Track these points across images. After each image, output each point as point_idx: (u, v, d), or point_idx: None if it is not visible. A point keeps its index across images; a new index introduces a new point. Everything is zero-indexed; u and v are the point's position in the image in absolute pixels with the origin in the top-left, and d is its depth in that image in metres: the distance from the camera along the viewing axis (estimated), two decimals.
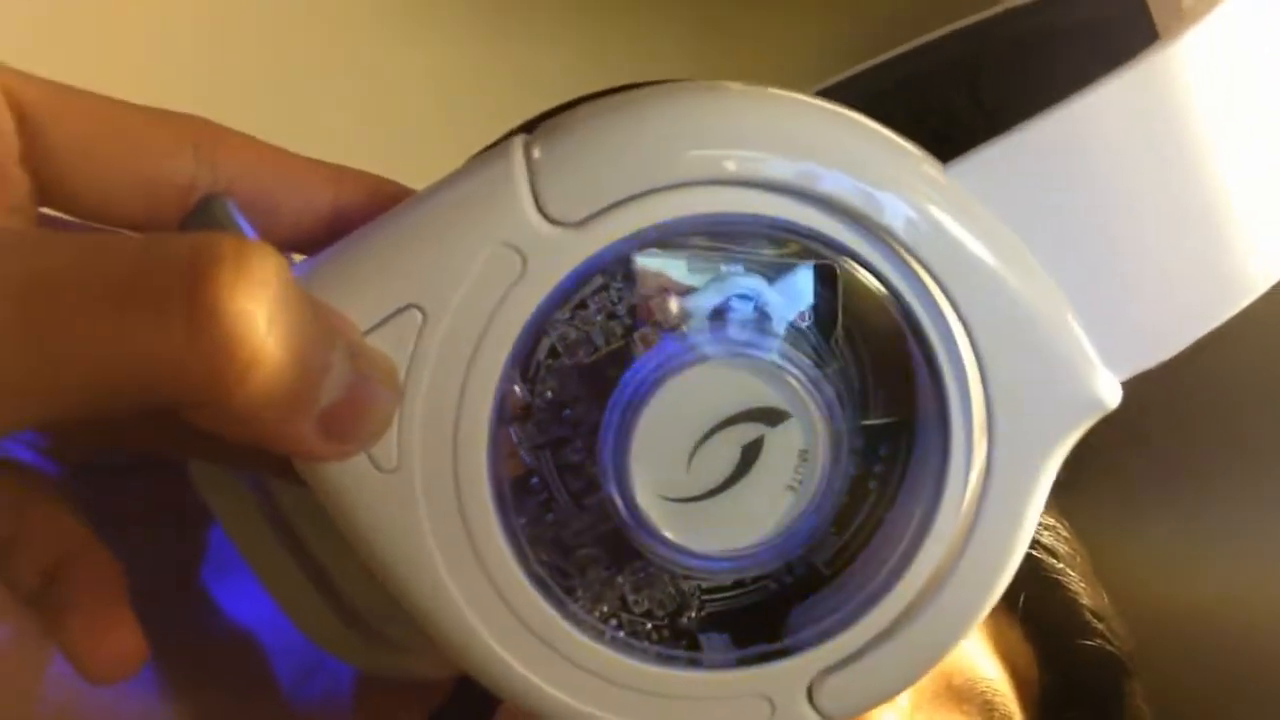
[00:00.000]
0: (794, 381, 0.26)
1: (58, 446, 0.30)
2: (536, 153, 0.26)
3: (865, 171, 0.26)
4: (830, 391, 0.27)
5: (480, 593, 0.26)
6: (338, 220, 0.28)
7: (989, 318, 0.26)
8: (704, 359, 0.26)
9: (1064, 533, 0.61)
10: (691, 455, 0.26)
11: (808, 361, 0.27)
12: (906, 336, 0.27)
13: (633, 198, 0.25)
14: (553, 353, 0.27)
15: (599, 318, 0.27)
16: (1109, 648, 0.60)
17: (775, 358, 0.26)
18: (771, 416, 0.26)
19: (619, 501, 0.27)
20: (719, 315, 0.27)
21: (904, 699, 0.49)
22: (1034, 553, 0.59)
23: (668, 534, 0.27)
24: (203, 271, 0.21)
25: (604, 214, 0.25)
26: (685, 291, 0.27)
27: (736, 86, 0.26)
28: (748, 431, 0.26)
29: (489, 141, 0.28)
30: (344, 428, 0.24)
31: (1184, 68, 0.26)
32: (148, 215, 0.27)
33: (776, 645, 0.28)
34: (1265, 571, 0.66)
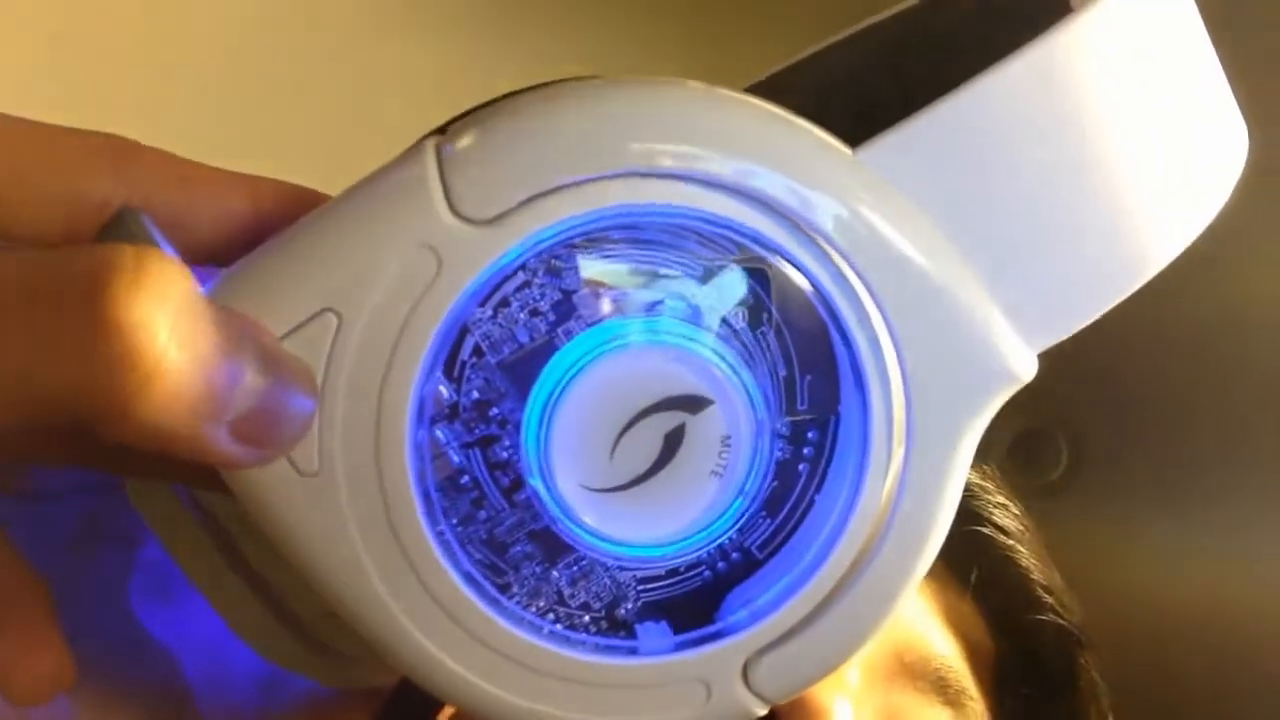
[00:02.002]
0: (714, 367, 0.27)
1: None
2: (448, 150, 0.26)
3: (778, 160, 0.26)
4: (750, 377, 0.27)
5: (411, 594, 0.27)
6: (258, 230, 0.28)
7: (902, 298, 0.26)
8: (622, 348, 0.27)
9: (1014, 510, 0.62)
10: (614, 445, 0.27)
11: (728, 348, 0.27)
12: (825, 322, 0.27)
13: (548, 192, 0.26)
14: (477, 351, 0.27)
15: (522, 315, 0.27)
16: (1060, 620, 0.60)
17: (694, 345, 0.27)
18: (692, 404, 0.27)
19: (544, 494, 0.27)
20: (641, 308, 0.27)
21: (855, 677, 0.50)
22: (984, 530, 0.60)
23: (593, 524, 0.27)
24: (98, 282, 0.21)
25: (519, 209, 0.26)
26: (608, 287, 0.27)
27: (649, 78, 0.27)
28: (669, 419, 0.27)
29: None
30: (258, 434, 0.24)
31: (1085, 47, 0.27)
32: (65, 234, 0.27)
33: (710, 629, 0.28)
34: (1262, 571, 0.67)
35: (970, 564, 0.59)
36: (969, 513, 0.60)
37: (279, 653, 0.32)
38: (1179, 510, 0.65)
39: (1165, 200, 0.28)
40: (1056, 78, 0.27)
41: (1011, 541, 0.61)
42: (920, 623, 0.55)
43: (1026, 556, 0.61)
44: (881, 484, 0.27)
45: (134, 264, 0.22)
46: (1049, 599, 0.61)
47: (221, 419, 0.23)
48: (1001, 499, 0.62)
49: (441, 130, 0.27)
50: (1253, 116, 0.32)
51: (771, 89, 0.38)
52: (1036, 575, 0.61)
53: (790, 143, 0.26)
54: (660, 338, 0.27)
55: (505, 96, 0.28)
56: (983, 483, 0.62)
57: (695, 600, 0.29)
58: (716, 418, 0.27)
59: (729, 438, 0.27)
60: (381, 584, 0.26)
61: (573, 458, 0.27)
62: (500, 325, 0.27)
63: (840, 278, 0.26)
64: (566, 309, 0.27)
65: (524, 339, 0.27)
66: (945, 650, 0.55)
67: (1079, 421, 0.62)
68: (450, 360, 0.27)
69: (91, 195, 0.26)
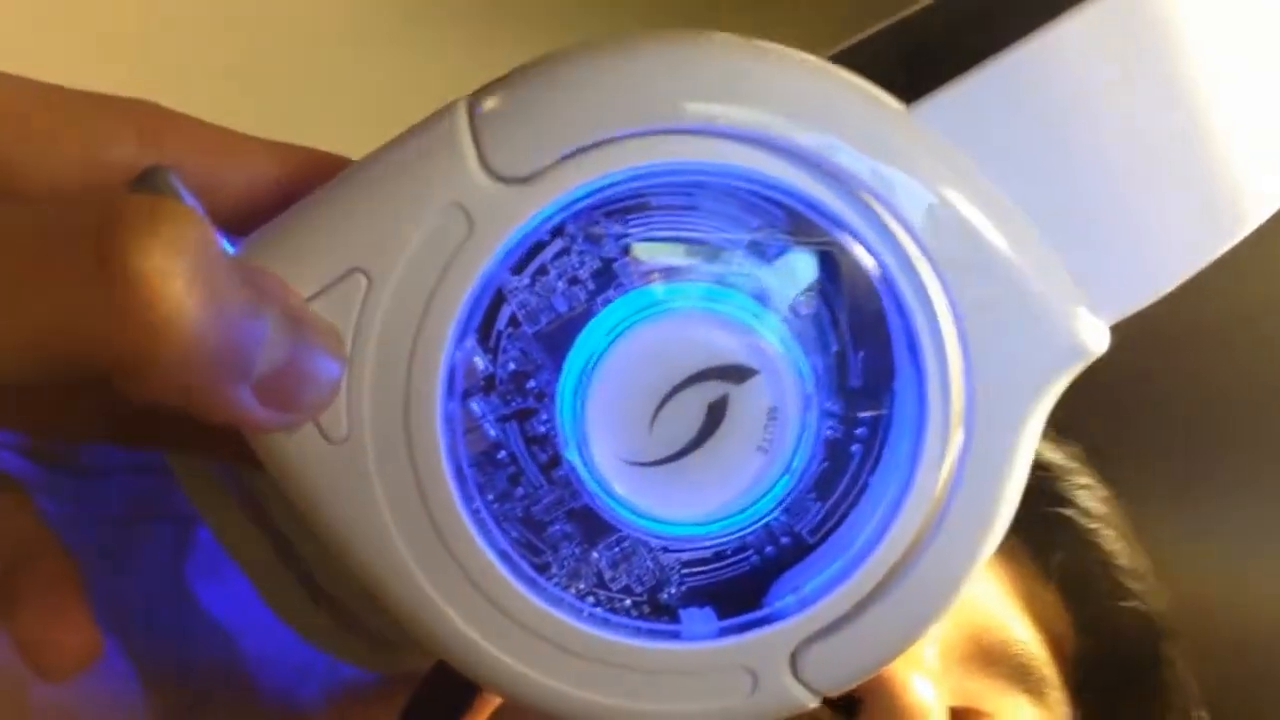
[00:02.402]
0: (760, 337, 0.25)
1: (35, 447, 0.30)
2: (482, 107, 0.25)
3: (839, 126, 0.25)
4: (799, 348, 0.26)
5: (441, 568, 0.26)
6: (288, 197, 0.27)
7: (963, 266, 0.25)
8: (663, 314, 0.25)
9: (1101, 492, 0.60)
10: (654, 417, 0.26)
11: (775, 317, 0.26)
12: (880, 292, 0.26)
13: (584, 149, 0.25)
14: (513, 321, 0.26)
15: (560, 283, 0.26)
16: (1147, 609, 0.58)
17: (739, 313, 0.26)
18: (737, 374, 0.26)
19: (581, 468, 0.26)
20: (682, 274, 0.26)
21: (932, 658, 0.48)
22: (1068, 513, 0.58)
23: (631, 499, 0.26)
24: (114, 229, 0.21)
25: (554, 167, 0.25)
26: (649, 254, 0.26)
27: (692, 31, 0.26)
28: (713, 390, 0.26)
29: None
30: (283, 396, 0.24)
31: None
32: None
33: (756, 615, 0.27)
34: (1264, 570, 0.65)
35: (1053, 548, 0.57)
36: (1052, 494, 0.58)
37: (318, 635, 0.31)
38: (1183, 510, 0.63)
39: (1259, 151, 0.26)
40: (1138, 20, 0.25)
41: (1096, 525, 0.59)
42: (1000, 607, 0.54)
43: (1112, 540, 0.59)
44: (939, 465, 0.26)
45: (149, 211, 0.21)
46: (1135, 585, 0.59)
47: (244, 377, 0.23)
48: (1087, 480, 0.60)
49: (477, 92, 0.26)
50: None
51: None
52: (1122, 560, 0.59)
53: (843, 99, 0.25)
54: (703, 305, 0.26)
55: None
56: (1067, 463, 0.59)
57: (742, 586, 0.27)
58: (762, 389, 0.26)
59: (775, 410, 0.26)
60: (411, 557, 0.25)
61: (610, 429, 0.26)
62: (538, 294, 0.26)
63: (895, 244, 0.25)
64: (606, 277, 0.26)
65: (562, 308, 0.26)
66: (1025, 636, 0.53)
67: (1080, 420, 0.60)
68: (486, 330, 0.26)
69: (117, 161, 0.26)
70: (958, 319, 0.25)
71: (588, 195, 0.25)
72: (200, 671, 0.32)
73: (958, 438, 0.26)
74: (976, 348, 0.25)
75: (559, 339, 0.26)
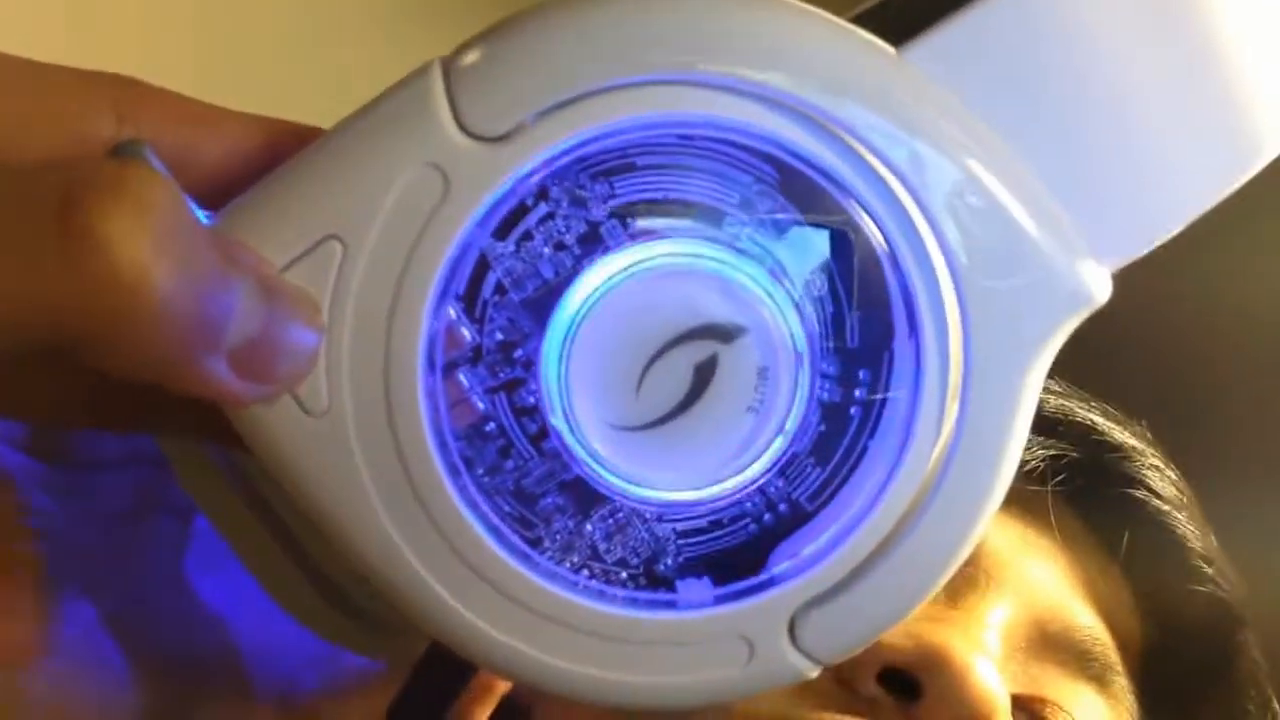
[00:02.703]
0: (747, 293, 0.25)
1: (32, 441, 0.30)
2: (455, 64, 0.24)
3: (823, 71, 0.24)
4: (790, 305, 0.25)
5: (431, 545, 0.25)
6: (265, 168, 0.27)
7: (957, 213, 0.24)
8: (645, 272, 0.25)
9: (1171, 474, 0.58)
10: (640, 380, 0.25)
11: (765, 275, 0.25)
12: (874, 247, 0.25)
13: (563, 104, 0.24)
14: (499, 289, 0.26)
15: (546, 249, 0.25)
16: (1221, 594, 0.56)
17: (727, 270, 0.25)
18: (724, 333, 0.25)
19: (568, 434, 0.25)
20: (668, 234, 0.25)
21: (994, 642, 0.47)
22: (1138, 494, 0.57)
23: (618, 464, 0.25)
24: (76, 196, 0.20)
25: (532, 125, 0.24)
26: (635, 216, 0.25)
27: None
28: (700, 350, 0.25)
29: None
30: (258, 367, 0.23)
31: None
32: None
33: (752, 581, 0.26)
34: (1265, 569, 0.63)
35: (1120, 530, 0.56)
36: (1122, 475, 0.57)
37: (316, 621, 0.31)
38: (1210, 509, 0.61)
39: (1272, 81, 0.25)
40: None
41: (1168, 508, 0.57)
42: (1063, 592, 0.52)
43: (1184, 524, 0.57)
44: (937, 424, 0.25)
45: (115, 175, 0.21)
46: (1208, 570, 0.57)
47: (217, 348, 0.22)
48: (1157, 461, 0.58)
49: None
50: None
51: None
52: (1194, 544, 0.57)
53: (828, 42, 0.24)
54: (689, 262, 0.25)
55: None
56: (1137, 443, 0.58)
57: (740, 555, 0.27)
58: (751, 348, 0.25)
59: (765, 370, 0.25)
60: (397, 532, 0.25)
61: (595, 394, 0.25)
62: (523, 260, 0.25)
63: (888, 195, 0.24)
64: (593, 241, 0.25)
65: (548, 274, 0.25)
66: (1089, 621, 0.52)
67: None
68: (471, 299, 0.25)
69: (95, 136, 0.26)
70: (953, 270, 0.24)
71: (568, 152, 0.24)
72: (198, 662, 0.32)
73: (956, 394, 0.25)
74: (974, 300, 0.24)
75: (546, 305, 0.26)
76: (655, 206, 0.25)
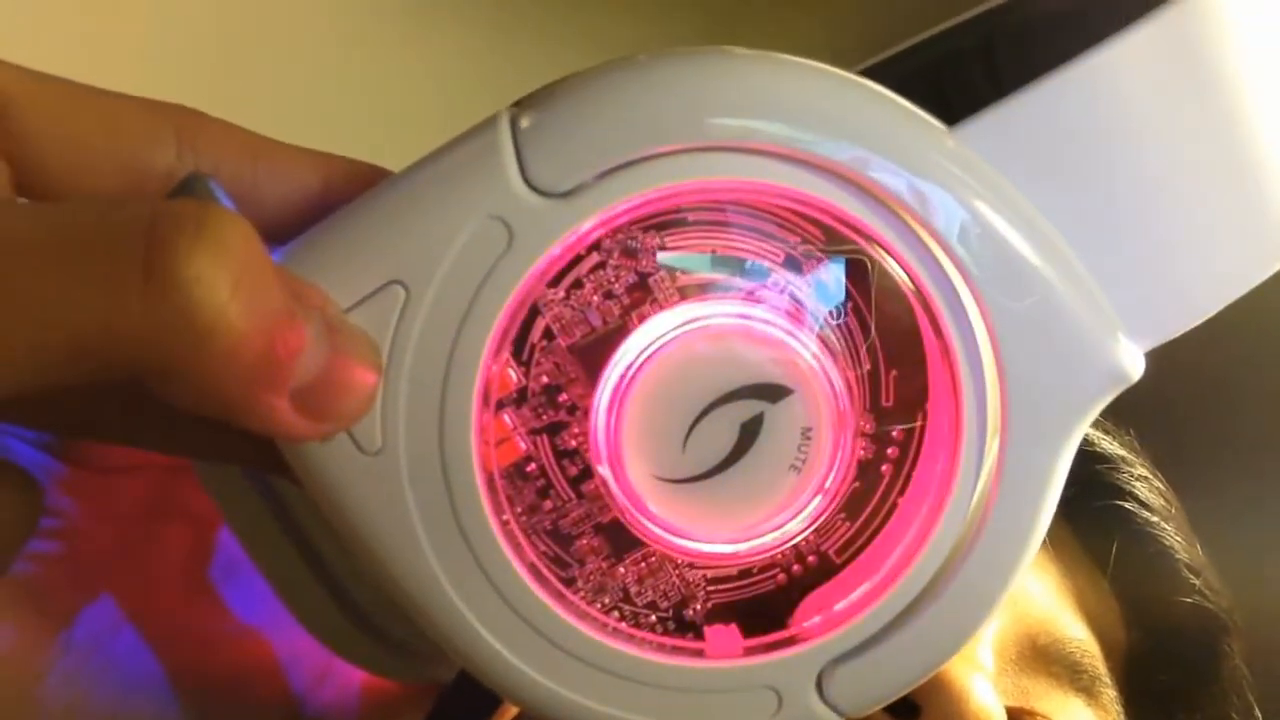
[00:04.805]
0: (796, 355, 0.26)
1: (56, 442, 0.30)
2: (524, 121, 0.25)
3: (878, 142, 0.25)
4: (835, 367, 0.26)
5: (470, 581, 0.26)
6: (323, 206, 0.28)
7: (1004, 290, 0.25)
8: (699, 331, 0.26)
9: (1158, 484, 0.59)
10: (687, 434, 0.26)
11: (811, 335, 0.26)
12: (917, 313, 0.26)
13: (626, 165, 0.25)
14: (547, 334, 0.27)
15: (596, 297, 0.27)
16: (1206, 604, 0.58)
17: (775, 330, 0.26)
18: (772, 392, 0.26)
19: (613, 484, 0.26)
20: (718, 289, 0.26)
21: (988, 659, 0.48)
22: (1126, 505, 0.58)
23: (663, 516, 0.26)
24: (161, 234, 0.21)
25: (595, 183, 0.25)
26: (686, 270, 0.26)
27: (739, 50, 0.26)
28: (747, 408, 0.26)
29: None
30: (321, 406, 0.24)
31: (1218, 6, 0.25)
32: None
33: (782, 633, 0.27)
34: (1262, 570, 0.64)
35: (1109, 540, 0.57)
36: (1109, 486, 0.58)
37: (337, 640, 0.32)
38: (1195, 517, 0.62)
39: None
40: (1190, 41, 0.25)
41: (1155, 518, 0.58)
42: (1053, 604, 0.54)
43: (1171, 534, 0.59)
44: (972, 490, 0.26)
45: (197, 217, 0.22)
46: (1194, 580, 0.58)
47: (282, 386, 0.23)
48: (1144, 471, 0.59)
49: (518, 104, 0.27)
50: None
51: None
52: (1181, 554, 0.58)
53: (890, 122, 0.25)
54: (738, 321, 0.26)
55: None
56: (1125, 454, 0.59)
57: (768, 604, 0.28)
58: (797, 408, 0.26)
59: (810, 430, 0.26)
60: (441, 569, 0.26)
61: (644, 446, 0.26)
62: (572, 307, 0.26)
63: (932, 261, 0.25)
64: (642, 292, 0.26)
65: (596, 322, 0.27)
66: (1080, 634, 0.53)
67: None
68: (520, 342, 0.27)
69: (155, 166, 0.26)
70: (995, 341, 0.25)
71: (628, 210, 0.25)
72: (211, 672, 0.32)
73: (992, 462, 0.26)
74: (1013, 371, 0.25)
75: (593, 353, 0.27)
76: (704, 260, 0.26)
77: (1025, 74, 0.24)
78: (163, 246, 0.21)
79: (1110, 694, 0.53)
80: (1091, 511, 0.57)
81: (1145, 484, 0.59)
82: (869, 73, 0.26)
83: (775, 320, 0.26)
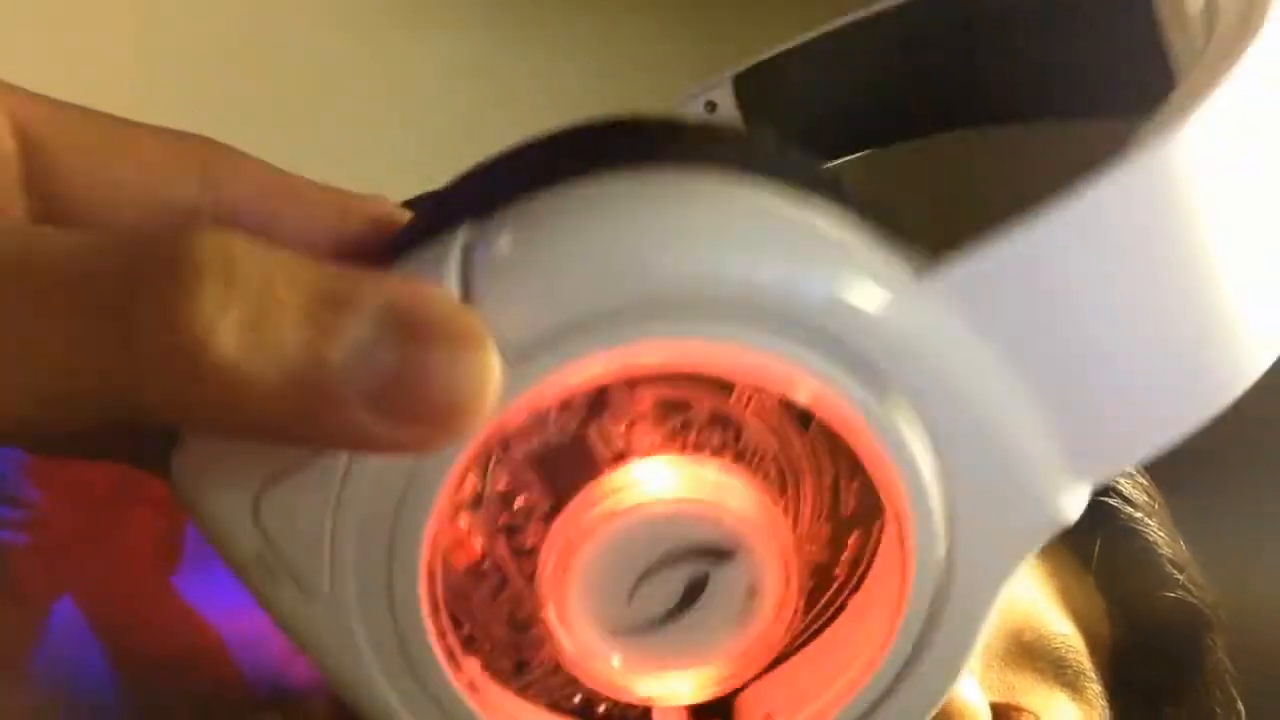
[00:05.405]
0: (742, 520, 0.26)
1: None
2: (474, 263, 0.24)
3: (835, 287, 0.24)
4: (784, 520, 0.26)
5: (421, 704, 0.26)
6: (341, 247, 0.27)
7: (953, 433, 0.25)
8: (646, 497, 0.26)
9: (1142, 480, 0.59)
10: (634, 589, 0.26)
11: (758, 491, 0.26)
12: (872, 443, 0.25)
13: (576, 325, 0.23)
14: (504, 444, 0.26)
15: (552, 411, 0.26)
16: (1190, 599, 0.58)
17: (721, 495, 0.26)
18: (717, 554, 0.26)
19: (557, 628, 0.27)
20: (673, 438, 0.26)
21: (974, 659, 0.49)
22: (1110, 501, 0.58)
23: (607, 662, 0.27)
24: (160, 274, 0.20)
25: (547, 344, 0.23)
26: (641, 403, 0.26)
27: (692, 185, 0.25)
28: (693, 568, 0.26)
29: (500, 142, 0.27)
30: (411, 406, 0.22)
31: (1180, 161, 0.25)
32: None
33: None
34: (1245, 565, 0.64)
35: (1093, 537, 0.57)
36: None
37: None
38: (1182, 513, 0.62)
39: (1260, 312, 0.26)
40: (1161, 191, 0.25)
41: (1139, 514, 0.59)
42: (1038, 600, 0.54)
43: (1155, 530, 0.59)
44: (920, 617, 0.26)
45: (211, 257, 0.21)
46: (1178, 575, 0.59)
47: (342, 401, 0.21)
48: (1129, 467, 0.59)
49: (456, 209, 0.25)
50: None
51: (780, 72, 0.37)
52: (1165, 550, 0.59)
53: (849, 269, 0.24)
54: (687, 482, 0.26)
55: (525, 156, 0.26)
56: None
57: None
58: (741, 569, 0.26)
59: (754, 588, 0.26)
60: (394, 697, 0.26)
61: (589, 597, 0.26)
62: (529, 419, 0.26)
63: (889, 410, 0.25)
64: (599, 404, 0.26)
65: (553, 433, 0.26)
66: (1065, 629, 0.54)
67: None
68: (476, 452, 0.26)
69: (178, 200, 0.26)
70: (947, 482, 0.25)
71: (581, 373, 0.24)
72: (179, 658, 0.33)
73: (937, 591, 0.26)
74: (961, 513, 0.25)
75: (549, 460, 0.26)
76: (662, 397, 0.26)
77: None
78: (160, 294, 0.20)
79: (1095, 689, 0.54)
80: None
81: (1129, 481, 0.59)
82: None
83: (718, 471, 0.26)
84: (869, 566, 0.27)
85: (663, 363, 0.25)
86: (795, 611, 0.27)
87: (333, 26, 0.80)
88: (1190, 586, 0.59)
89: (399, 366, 0.21)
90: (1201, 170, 0.25)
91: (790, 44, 0.37)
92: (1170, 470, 0.61)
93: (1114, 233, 0.24)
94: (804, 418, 0.26)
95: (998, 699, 0.50)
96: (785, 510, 0.27)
